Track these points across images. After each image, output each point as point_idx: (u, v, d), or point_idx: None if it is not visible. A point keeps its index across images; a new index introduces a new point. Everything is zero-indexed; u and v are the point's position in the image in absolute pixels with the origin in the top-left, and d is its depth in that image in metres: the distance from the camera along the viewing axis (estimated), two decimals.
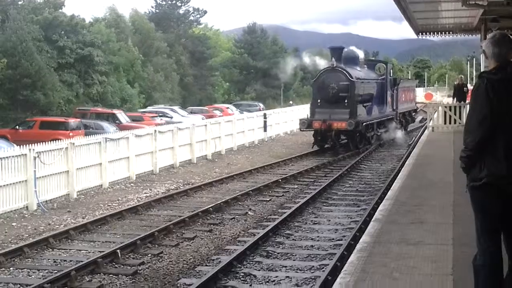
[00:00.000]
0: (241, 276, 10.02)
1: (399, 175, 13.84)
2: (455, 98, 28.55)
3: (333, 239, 12.35)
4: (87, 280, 10.07)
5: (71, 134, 26.54)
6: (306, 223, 14.04)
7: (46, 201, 16.50)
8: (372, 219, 9.08)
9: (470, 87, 30.12)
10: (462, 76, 36.31)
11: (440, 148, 18.48)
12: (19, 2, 50.29)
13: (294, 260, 10.96)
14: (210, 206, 15.38)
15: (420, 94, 66.43)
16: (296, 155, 26.55)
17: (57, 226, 13.91)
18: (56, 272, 10.10)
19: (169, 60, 63.63)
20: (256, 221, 14.42)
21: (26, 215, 15.22)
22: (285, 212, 14.59)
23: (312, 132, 28.21)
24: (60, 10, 51.49)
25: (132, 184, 20.02)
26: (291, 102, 68.32)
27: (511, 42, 4.74)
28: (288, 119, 39.93)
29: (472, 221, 4.82)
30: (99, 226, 13.80)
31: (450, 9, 20.59)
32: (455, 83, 31.55)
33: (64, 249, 12.01)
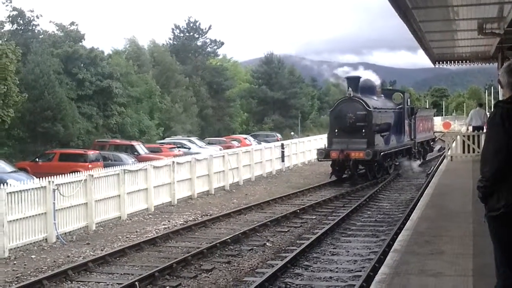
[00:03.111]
0: None
1: (418, 205, 13.72)
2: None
3: (352, 270, 12.26)
4: None
5: (90, 166, 26.73)
6: (324, 254, 13.96)
7: (65, 233, 16.58)
8: (391, 250, 9.00)
9: None
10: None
11: (459, 177, 18.32)
12: (40, 36, 51.12)
13: None
14: (228, 237, 15.36)
15: (438, 123, 66.26)
16: (314, 185, 26.50)
17: (76, 258, 13.96)
18: None
19: (189, 92, 64.05)
20: (275, 252, 14.36)
21: (45, 248, 15.29)
22: (303, 243, 14.53)
23: (330, 162, 28.17)
24: (80, 43, 52.18)
25: (150, 216, 20.06)
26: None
27: None
28: (306, 149, 39.90)
29: (492, 252, 4.77)
30: (117, 258, 13.83)
31: (467, 38, 20.57)
32: None
33: (83, 281, 12.04)
